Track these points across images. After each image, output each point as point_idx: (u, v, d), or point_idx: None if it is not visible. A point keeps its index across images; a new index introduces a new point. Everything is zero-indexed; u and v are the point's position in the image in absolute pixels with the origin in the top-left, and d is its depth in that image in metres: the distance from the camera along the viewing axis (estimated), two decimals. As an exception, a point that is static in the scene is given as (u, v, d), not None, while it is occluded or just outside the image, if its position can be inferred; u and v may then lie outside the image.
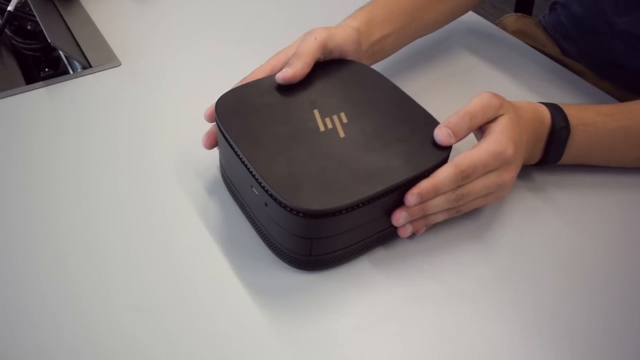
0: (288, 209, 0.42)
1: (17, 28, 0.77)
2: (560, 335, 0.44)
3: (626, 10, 0.71)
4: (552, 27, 0.86)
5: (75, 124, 0.60)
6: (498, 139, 0.47)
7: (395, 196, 0.45)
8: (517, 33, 0.85)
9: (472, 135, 0.51)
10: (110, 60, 0.69)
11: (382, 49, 0.61)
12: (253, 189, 0.45)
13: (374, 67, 0.58)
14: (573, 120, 0.52)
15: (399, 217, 0.45)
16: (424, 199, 0.45)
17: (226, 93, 0.50)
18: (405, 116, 0.50)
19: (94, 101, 0.63)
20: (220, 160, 0.53)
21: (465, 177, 0.45)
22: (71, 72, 0.72)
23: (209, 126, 0.52)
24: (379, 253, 0.49)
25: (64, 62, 0.75)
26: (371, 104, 0.51)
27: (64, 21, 0.75)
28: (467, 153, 0.46)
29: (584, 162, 0.56)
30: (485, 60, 0.74)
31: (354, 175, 0.44)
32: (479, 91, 0.49)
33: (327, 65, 0.54)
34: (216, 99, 0.50)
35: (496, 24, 0.87)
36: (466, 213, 0.50)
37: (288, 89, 0.51)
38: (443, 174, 0.45)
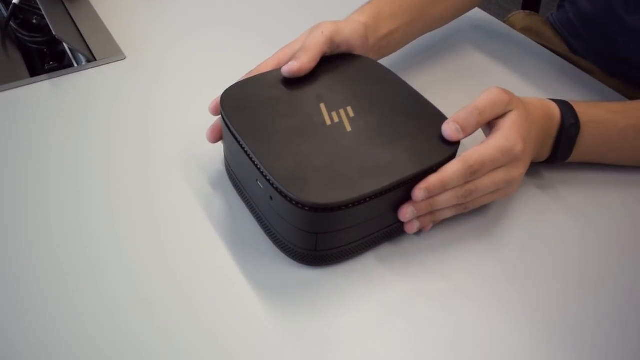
0: (294, 202, 0.41)
1: (22, 21, 0.77)
2: (568, 333, 0.43)
3: (636, 8, 0.70)
4: (561, 24, 0.85)
5: (80, 116, 0.60)
6: (507, 135, 0.46)
7: (402, 191, 0.44)
8: (525, 31, 0.85)
9: (480, 132, 0.50)
10: (115, 53, 0.68)
11: (389, 44, 0.61)
12: (258, 182, 0.44)
13: (381, 62, 0.57)
14: (583, 117, 0.51)
15: (406, 213, 0.45)
16: (431, 194, 0.44)
17: (231, 86, 0.50)
18: (413, 111, 0.49)
19: (99, 94, 0.63)
20: (224, 154, 0.52)
21: (473, 172, 0.45)
22: (76, 65, 0.71)
23: (214, 120, 0.52)
24: (385, 249, 0.48)
25: (69, 56, 0.74)
26: (378, 98, 0.50)
27: (69, 15, 0.75)
28: (475, 148, 0.45)
29: (593, 160, 0.56)
30: (492, 57, 0.73)
31: (361, 170, 0.43)
32: (486, 88, 0.49)
33: (334, 60, 0.54)
34: (221, 93, 0.49)
35: (504, 22, 0.86)
36: (474, 209, 0.50)
37: (294, 82, 0.51)
38: (451, 169, 0.44)
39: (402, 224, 0.47)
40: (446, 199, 0.45)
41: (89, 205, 0.51)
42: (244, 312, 0.43)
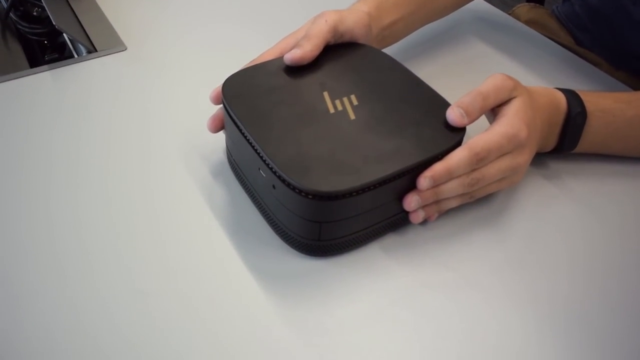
0: (297, 190, 0.40)
1: (23, 13, 0.76)
2: (574, 324, 0.43)
3: (643, -1, 0.70)
4: (566, 17, 0.85)
5: (80, 107, 0.59)
6: (511, 121, 0.46)
7: (407, 180, 0.43)
8: (530, 23, 0.84)
9: (484, 120, 0.49)
10: (116, 44, 0.68)
11: (392, 34, 0.60)
12: (260, 171, 0.44)
13: (385, 51, 0.57)
14: (590, 106, 0.51)
15: (411, 201, 0.44)
16: (437, 183, 0.43)
17: (233, 74, 0.49)
18: (418, 99, 0.48)
19: (99, 85, 0.62)
20: (226, 144, 0.52)
21: (479, 160, 0.44)
22: (76, 56, 0.71)
23: (214, 110, 0.51)
24: (390, 239, 0.48)
25: (70, 48, 0.74)
26: (382, 86, 0.49)
27: (70, 6, 0.74)
28: (480, 136, 0.45)
29: (600, 151, 0.55)
30: (497, 48, 0.72)
31: (365, 158, 0.42)
32: (491, 77, 0.48)
33: (337, 48, 0.53)
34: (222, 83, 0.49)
35: (509, 14, 0.85)
36: (480, 199, 0.49)
37: (297, 71, 0.50)
38: (457, 157, 0.43)
39: (407, 213, 0.46)
40: (452, 187, 0.45)
41: (89, 196, 0.50)
42: (246, 303, 0.43)
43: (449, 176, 0.44)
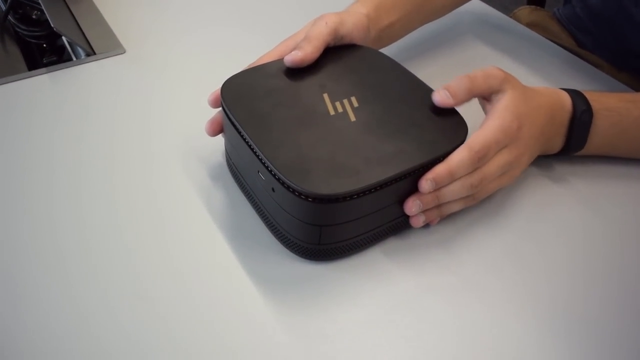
0: (296, 193, 0.40)
1: (21, 16, 0.76)
2: (577, 328, 0.42)
3: (645, 0, 0.69)
4: (567, 19, 0.84)
5: (78, 110, 0.59)
6: (502, 114, 0.45)
7: (409, 182, 0.43)
8: (531, 25, 0.83)
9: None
10: (114, 47, 0.67)
11: (389, 35, 0.60)
12: (260, 174, 0.43)
13: (386, 53, 0.56)
14: (595, 105, 0.50)
15: (412, 206, 0.43)
16: (439, 185, 0.43)
17: (232, 77, 0.49)
18: (419, 101, 0.48)
19: (98, 88, 0.62)
20: (225, 147, 0.51)
21: (480, 158, 0.43)
22: (75, 59, 0.70)
23: (214, 113, 0.51)
24: (391, 243, 0.47)
25: (68, 51, 0.73)
26: (383, 88, 0.49)
27: (69, 9, 0.74)
28: (476, 134, 0.44)
29: (608, 153, 0.54)
30: (498, 50, 0.72)
31: (366, 160, 0.42)
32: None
33: (337, 50, 0.52)
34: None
35: (510, 17, 0.85)
36: (482, 202, 0.48)
37: (296, 73, 0.49)
38: (458, 158, 0.43)
39: (408, 217, 0.46)
40: (454, 190, 0.44)
41: (87, 199, 0.49)
42: (245, 308, 0.42)
43: (451, 178, 0.43)
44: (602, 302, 0.44)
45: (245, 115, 0.45)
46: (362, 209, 0.42)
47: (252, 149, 0.43)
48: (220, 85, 0.48)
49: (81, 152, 0.54)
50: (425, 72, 0.65)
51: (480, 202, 0.48)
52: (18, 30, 0.74)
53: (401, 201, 0.44)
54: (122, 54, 0.67)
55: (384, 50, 0.60)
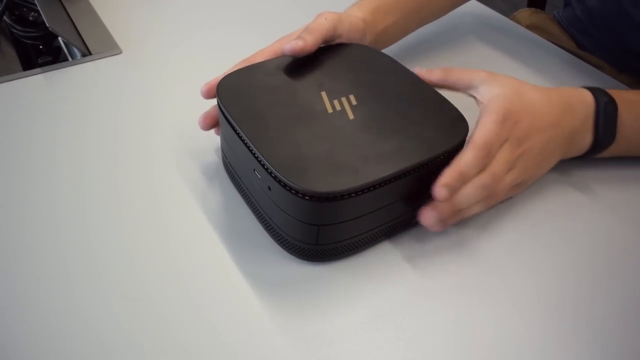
0: (293, 191, 0.39)
1: (18, 18, 0.75)
2: (580, 330, 0.41)
3: (646, 1, 0.69)
4: (567, 21, 0.84)
5: (73, 110, 0.58)
6: (492, 109, 0.45)
7: (409, 180, 0.42)
8: (532, 28, 0.83)
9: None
10: (111, 48, 0.66)
11: (385, 38, 0.60)
12: (256, 172, 0.42)
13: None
14: (616, 97, 0.49)
15: (429, 217, 0.42)
16: (453, 190, 0.41)
17: (229, 74, 0.48)
18: (418, 99, 0.47)
19: (93, 88, 0.61)
20: (221, 146, 0.50)
21: (486, 154, 0.42)
22: (70, 60, 0.69)
23: (200, 126, 0.50)
24: (391, 243, 0.46)
25: (64, 52, 0.73)
26: (382, 86, 0.48)
27: (65, 10, 0.73)
28: (474, 133, 0.44)
29: (633, 152, 0.53)
30: (499, 52, 0.71)
31: (364, 158, 0.41)
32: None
33: (334, 48, 0.52)
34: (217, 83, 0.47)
35: (510, 19, 0.84)
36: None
37: (294, 71, 0.49)
38: (464, 158, 0.42)
39: (407, 217, 0.45)
40: (469, 193, 0.42)
41: (81, 200, 0.48)
42: (241, 310, 0.41)
43: (463, 179, 0.42)
44: (609, 305, 0.43)
45: (241, 112, 0.44)
46: (360, 208, 0.41)
47: (248, 147, 0.42)
48: (214, 77, 0.47)
49: (76, 152, 0.53)
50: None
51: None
52: (14, 31, 0.74)
53: (400, 200, 0.43)
54: (118, 54, 0.66)
55: (388, 52, 0.60)
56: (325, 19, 0.51)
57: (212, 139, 0.52)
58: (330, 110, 0.45)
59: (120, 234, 0.46)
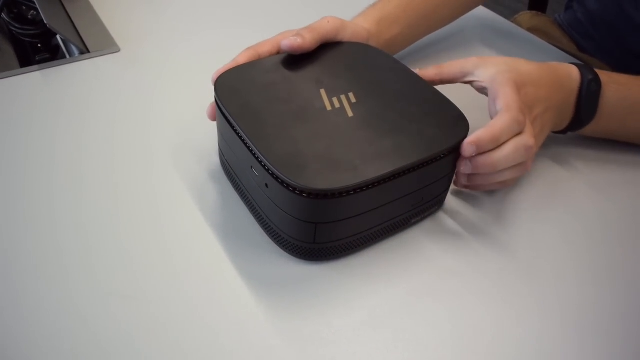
0: (290, 188, 0.38)
1: (16, 16, 0.75)
2: (582, 332, 0.40)
3: (647, 4, 0.68)
4: (569, 24, 0.83)
5: (71, 108, 0.57)
6: (500, 81, 0.46)
7: (408, 179, 0.41)
8: (533, 31, 0.82)
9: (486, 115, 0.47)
10: (109, 46, 0.66)
11: (390, 49, 0.59)
12: (253, 169, 0.41)
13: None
14: (604, 77, 0.50)
15: (463, 165, 0.43)
16: (480, 150, 0.42)
17: (227, 71, 0.47)
18: (418, 98, 0.46)
19: (91, 86, 0.60)
20: (219, 145, 0.49)
21: (521, 119, 0.43)
22: (68, 57, 0.69)
23: (209, 111, 0.49)
24: (390, 243, 0.45)
25: (63, 50, 0.72)
26: (382, 84, 0.47)
27: (64, 8, 0.73)
28: (502, 103, 0.44)
29: (618, 133, 0.54)
30: (500, 54, 0.70)
31: (363, 155, 0.40)
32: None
33: (335, 47, 0.51)
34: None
35: (511, 22, 0.84)
36: (483, 202, 0.47)
37: (293, 68, 0.48)
38: (500, 121, 0.43)
39: (407, 216, 0.44)
40: (508, 155, 0.43)
41: (78, 198, 0.48)
42: (237, 310, 0.40)
43: (494, 141, 0.42)
44: (611, 307, 0.42)
45: (239, 109, 0.43)
46: (358, 207, 0.40)
47: (245, 144, 0.41)
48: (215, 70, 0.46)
49: (73, 150, 0.52)
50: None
51: (490, 199, 0.46)
52: (12, 29, 0.73)
53: (400, 199, 0.42)
54: (116, 52, 0.65)
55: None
56: (328, 22, 0.50)
57: (210, 138, 0.51)
58: (329, 108, 0.44)
59: (117, 232, 0.45)
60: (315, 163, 0.39)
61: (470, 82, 0.49)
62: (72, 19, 0.71)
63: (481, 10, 0.79)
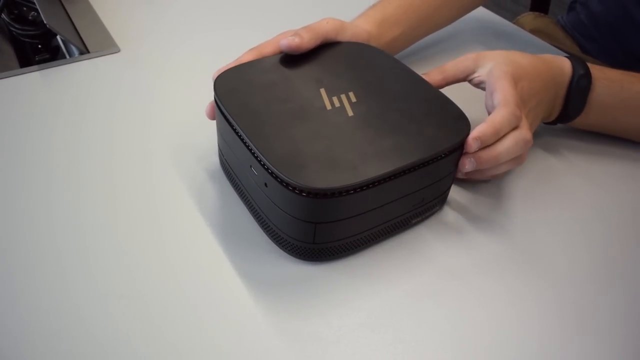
0: (290, 188, 0.38)
1: (17, 16, 0.74)
2: (586, 333, 0.39)
3: (650, 5, 0.68)
4: (572, 26, 0.83)
5: (71, 108, 0.57)
6: (497, 75, 0.46)
7: (408, 179, 0.40)
8: (535, 32, 0.82)
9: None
10: (109, 46, 0.66)
11: (390, 50, 0.59)
12: (252, 169, 0.41)
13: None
14: (596, 73, 0.50)
15: (468, 163, 0.43)
16: (484, 144, 0.42)
17: (226, 70, 0.47)
18: (419, 97, 0.46)
19: (90, 86, 0.60)
20: (218, 145, 0.49)
21: (518, 112, 0.44)
22: (68, 58, 0.69)
23: (208, 112, 0.49)
24: (390, 243, 0.45)
25: (63, 51, 0.72)
26: (382, 84, 0.47)
27: (64, 8, 0.73)
28: (499, 96, 0.45)
29: (609, 127, 0.54)
30: (502, 54, 0.70)
31: (363, 155, 0.40)
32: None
33: (334, 46, 0.51)
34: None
35: (513, 23, 0.83)
36: (484, 202, 0.46)
37: (292, 67, 0.48)
38: (499, 114, 0.43)
39: (407, 217, 0.44)
40: (509, 147, 0.43)
41: (77, 197, 0.47)
42: (236, 310, 0.40)
43: (496, 135, 0.43)
44: (612, 307, 0.41)
45: (238, 108, 0.43)
46: (358, 206, 0.40)
47: (244, 143, 0.41)
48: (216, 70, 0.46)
49: (71, 150, 0.52)
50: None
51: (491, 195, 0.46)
52: (12, 29, 0.73)
53: (400, 199, 0.42)
54: (116, 53, 0.65)
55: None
56: (327, 22, 0.50)
57: (210, 138, 0.51)
58: (329, 107, 0.44)
59: (116, 232, 0.45)
60: (314, 162, 0.39)
61: (470, 80, 0.49)
62: (72, 19, 0.71)
63: (483, 12, 0.79)
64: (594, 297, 0.42)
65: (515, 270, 0.44)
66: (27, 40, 0.73)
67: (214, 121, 0.48)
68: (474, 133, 0.42)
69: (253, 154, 0.40)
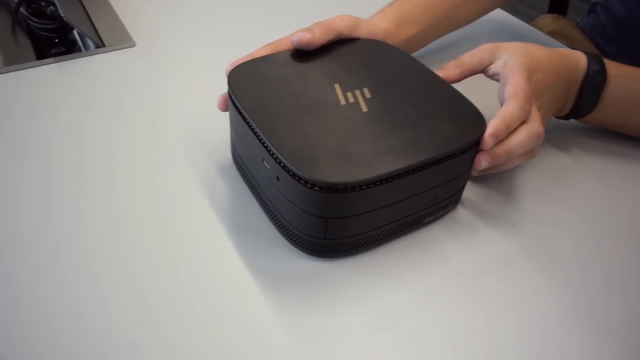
0: (302, 181, 0.37)
1: (34, 11, 0.75)
2: (589, 333, 0.38)
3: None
4: (591, 28, 0.82)
5: (85, 100, 0.57)
6: (511, 67, 0.46)
7: (422, 176, 0.40)
8: (553, 34, 0.81)
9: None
10: (124, 40, 0.66)
11: (407, 48, 0.58)
12: (264, 162, 0.41)
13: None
14: (611, 69, 0.49)
15: (482, 160, 0.42)
16: (498, 139, 0.42)
17: (241, 64, 0.47)
18: (434, 95, 0.45)
19: (105, 79, 0.60)
20: (231, 138, 0.49)
21: (528, 106, 0.43)
22: (84, 51, 0.69)
23: (218, 107, 0.49)
24: (402, 242, 0.44)
25: (79, 45, 0.72)
26: (397, 80, 0.47)
27: (81, 2, 0.73)
28: (510, 89, 0.44)
29: (622, 125, 0.53)
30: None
31: (377, 150, 0.39)
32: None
33: (350, 42, 0.51)
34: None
35: (532, 25, 0.82)
36: (498, 202, 0.46)
37: (307, 62, 0.47)
38: (509, 109, 0.42)
39: (420, 215, 0.43)
40: (522, 142, 0.43)
41: (91, 190, 0.47)
42: (246, 305, 0.39)
43: (508, 130, 0.42)
44: (612, 308, 0.40)
45: (252, 102, 0.43)
46: (371, 202, 0.39)
47: (257, 136, 0.41)
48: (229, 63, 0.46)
49: (86, 142, 0.52)
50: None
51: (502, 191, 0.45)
52: (30, 22, 0.74)
53: (414, 196, 0.41)
54: (132, 46, 0.65)
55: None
56: (342, 19, 0.50)
57: (223, 133, 0.51)
58: (343, 102, 0.43)
59: (127, 226, 0.44)
60: (327, 156, 0.38)
61: (485, 72, 0.49)
62: (89, 13, 0.71)
63: (501, 14, 0.78)
64: (608, 297, 0.41)
65: (529, 272, 0.43)
66: (44, 34, 0.74)
67: (227, 116, 0.48)
68: (489, 130, 0.42)
69: (265, 147, 0.40)
